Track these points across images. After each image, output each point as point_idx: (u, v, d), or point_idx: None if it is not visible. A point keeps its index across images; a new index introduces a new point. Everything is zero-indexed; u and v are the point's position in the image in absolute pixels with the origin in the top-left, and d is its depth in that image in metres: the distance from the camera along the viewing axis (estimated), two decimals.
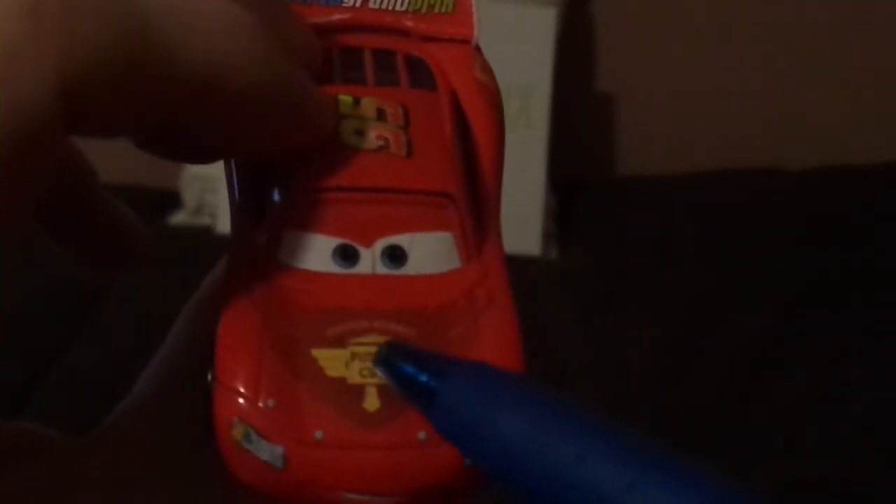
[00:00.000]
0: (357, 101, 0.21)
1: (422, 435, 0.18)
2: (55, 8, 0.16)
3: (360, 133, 0.21)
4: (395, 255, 0.20)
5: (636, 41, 1.28)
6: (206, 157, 0.22)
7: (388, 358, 0.18)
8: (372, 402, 0.19)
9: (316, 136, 0.21)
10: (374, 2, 0.23)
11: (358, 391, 0.19)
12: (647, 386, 0.90)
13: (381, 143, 0.21)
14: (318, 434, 0.18)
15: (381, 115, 0.21)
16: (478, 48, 0.24)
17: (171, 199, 1.14)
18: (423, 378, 0.18)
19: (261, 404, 0.18)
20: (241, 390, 0.18)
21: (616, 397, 0.87)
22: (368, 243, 0.20)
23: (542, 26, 1.11)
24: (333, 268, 0.20)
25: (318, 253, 0.20)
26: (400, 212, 0.21)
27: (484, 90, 0.23)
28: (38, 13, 0.16)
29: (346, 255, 0.20)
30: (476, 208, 0.21)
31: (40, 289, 0.91)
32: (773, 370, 0.92)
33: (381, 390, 0.19)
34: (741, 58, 1.29)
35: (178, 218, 1.13)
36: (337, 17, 0.23)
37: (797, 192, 1.19)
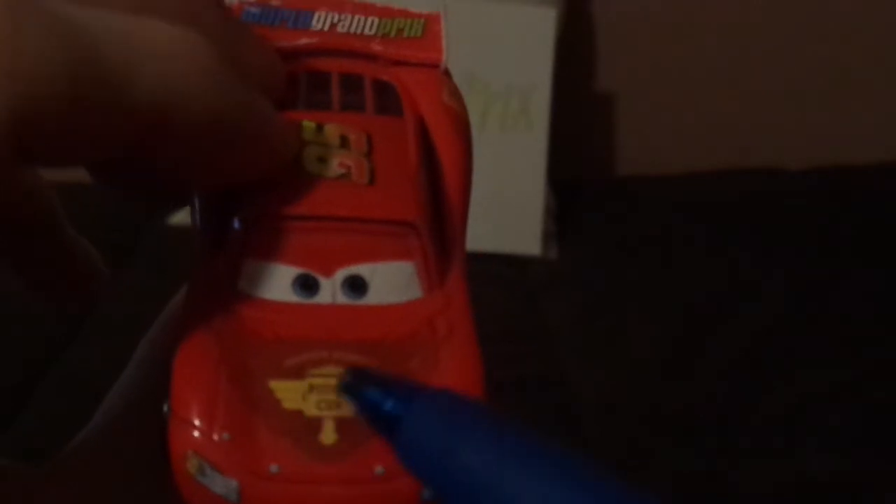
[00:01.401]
0: (320, 128, 0.21)
1: (379, 469, 0.18)
2: (4, 43, 0.16)
3: (323, 160, 0.20)
4: (356, 285, 0.20)
5: (636, 41, 1.28)
6: (164, 191, 0.21)
7: (353, 384, 0.18)
8: (329, 436, 0.18)
9: (277, 163, 0.20)
10: (343, 26, 0.23)
11: (315, 424, 0.18)
12: (646, 386, 0.90)
13: (343, 170, 0.20)
14: (274, 468, 0.18)
15: (344, 143, 0.21)
16: (447, 73, 0.23)
17: None
18: (388, 405, 0.17)
19: (215, 437, 0.18)
20: (196, 423, 0.18)
21: (615, 397, 0.87)
22: (329, 273, 0.20)
23: (542, 26, 1.11)
24: (293, 297, 0.20)
25: (277, 282, 0.20)
26: (361, 241, 0.20)
27: (452, 116, 0.22)
28: None
29: (306, 284, 0.20)
30: (440, 237, 0.21)
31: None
32: (774, 370, 0.92)
33: (339, 423, 0.18)
34: (741, 58, 1.29)
35: (178, 218, 1.13)
36: (304, 41, 0.23)
37: (797, 192, 1.19)
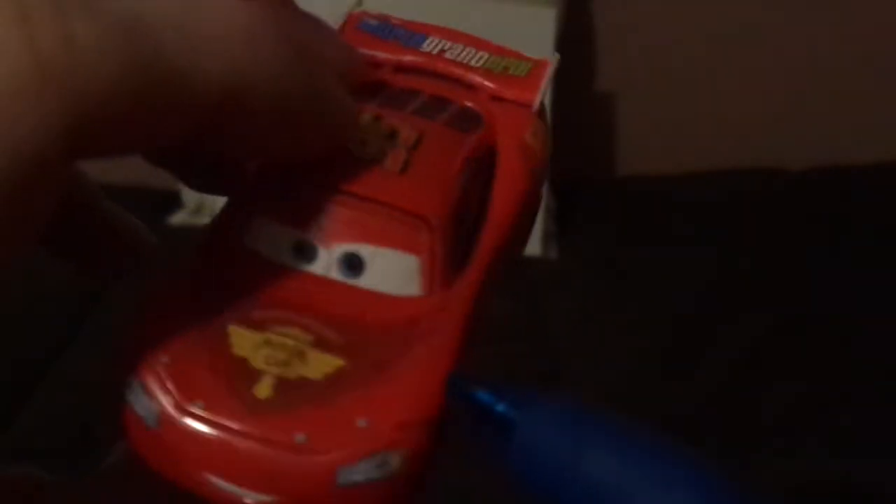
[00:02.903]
0: (377, 119, 0.21)
1: (300, 437, 0.17)
2: (59, 50, 0.16)
3: (363, 143, 0.21)
4: (353, 264, 0.20)
5: (636, 41, 1.28)
6: (218, 172, 0.21)
7: (462, 384, 0.17)
8: (263, 390, 0.18)
9: (337, 144, 0.20)
10: (452, 53, 0.24)
11: (254, 375, 0.18)
12: (646, 386, 0.90)
13: (379, 155, 0.21)
14: (199, 404, 0.18)
15: (392, 134, 0.21)
16: (540, 113, 0.24)
17: (172, 199, 1.14)
18: (501, 408, 0.16)
19: (154, 360, 0.18)
20: (143, 342, 0.18)
21: (615, 397, 0.87)
22: (328, 245, 0.20)
23: (542, 26, 1.11)
24: (287, 260, 0.20)
25: (277, 243, 0.20)
26: (370, 222, 0.20)
27: (527, 152, 0.23)
28: (40, 54, 0.15)
29: (303, 251, 0.20)
30: (461, 246, 0.21)
31: (40, 289, 0.91)
32: (774, 370, 0.92)
33: (279, 382, 0.18)
34: (741, 58, 1.29)
35: (178, 218, 1.13)
36: (409, 58, 0.23)
37: (797, 192, 1.19)
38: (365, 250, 0.20)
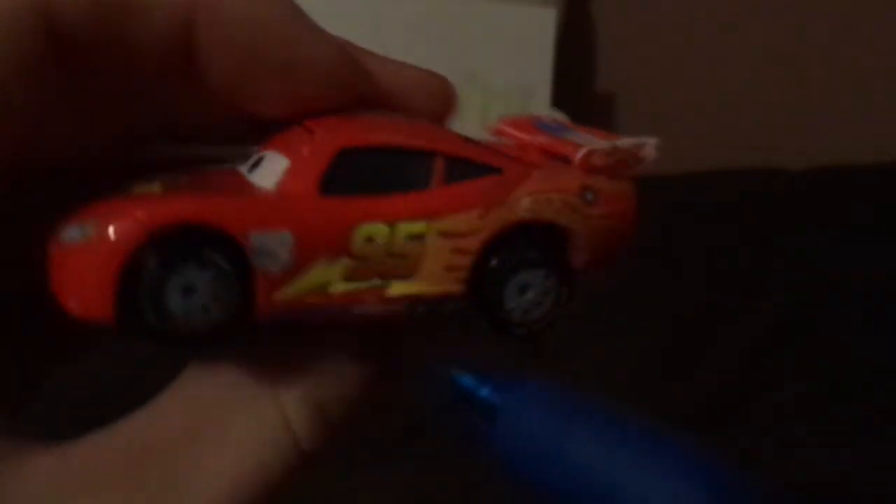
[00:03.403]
0: None
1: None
2: None
3: None
4: (256, 163, 0.24)
5: (636, 41, 1.28)
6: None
7: (444, 368, 0.18)
8: (147, 188, 0.23)
9: (331, 93, 0.23)
10: (575, 137, 0.28)
11: (144, 191, 0.23)
12: (646, 385, 0.90)
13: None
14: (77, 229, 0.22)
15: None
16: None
17: None
18: (484, 393, 0.17)
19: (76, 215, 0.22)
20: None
21: (614, 397, 0.87)
22: (258, 152, 0.25)
23: (542, 26, 1.11)
24: (244, 170, 0.24)
25: (248, 158, 0.25)
26: (288, 137, 0.24)
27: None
28: None
29: (256, 164, 0.24)
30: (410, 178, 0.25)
31: None
32: (774, 370, 0.92)
33: (166, 186, 0.23)
34: (741, 58, 1.29)
35: None
36: (536, 140, 0.28)
37: (797, 192, 1.19)
38: (268, 154, 0.24)
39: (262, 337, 0.24)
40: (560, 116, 0.30)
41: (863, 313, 0.97)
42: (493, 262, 0.25)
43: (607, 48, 1.29)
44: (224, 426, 0.21)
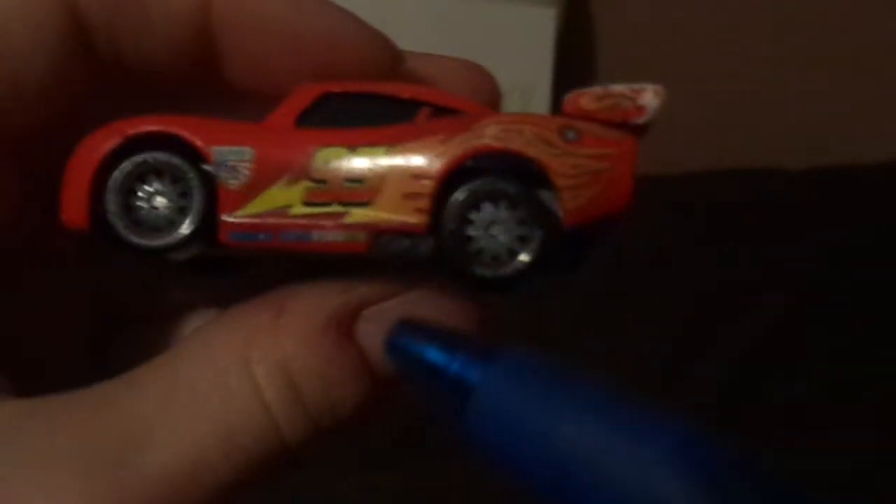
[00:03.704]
0: None
1: None
2: None
3: None
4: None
5: (636, 41, 1.28)
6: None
7: (409, 339, 0.16)
8: None
9: (356, 62, 0.24)
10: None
11: None
12: (646, 385, 0.90)
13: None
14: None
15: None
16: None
17: None
18: (455, 368, 0.14)
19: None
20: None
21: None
22: None
23: (542, 26, 1.11)
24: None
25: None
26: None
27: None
28: None
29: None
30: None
31: None
32: (774, 370, 0.92)
33: None
34: (741, 58, 1.29)
35: None
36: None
37: (797, 192, 1.19)
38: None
39: (233, 290, 0.24)
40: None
41: (863, 313, 0.97)
42: (456, 194, 0.24)
43: (607, 48, 1.29)
44: (192, 390, 0.21)
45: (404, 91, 0.25)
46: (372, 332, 0.22)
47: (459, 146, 0.23)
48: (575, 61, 1.24)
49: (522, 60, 1.11)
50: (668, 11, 1.27)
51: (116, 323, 0.28)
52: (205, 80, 0.24)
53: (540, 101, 1.10)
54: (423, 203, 0.23)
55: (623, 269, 1.07)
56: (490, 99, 0.27)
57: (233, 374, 0.21)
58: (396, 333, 0.16)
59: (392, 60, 0.25)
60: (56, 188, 0.24)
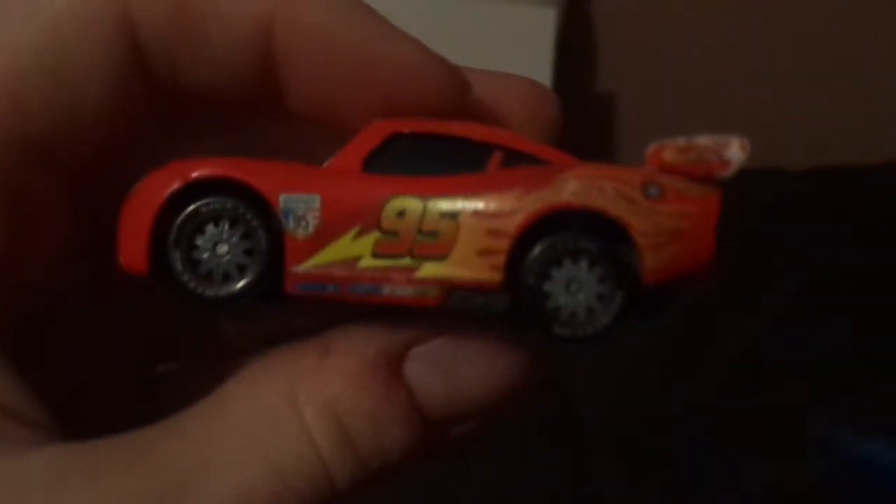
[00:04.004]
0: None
1: None
2: None
3: None
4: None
5: (636, 41, 1.28)
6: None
7: (834, 431, 0.15)
8: None
9: (428, 98, 0.23)
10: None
11: None
12: (646, 385, 0.90)
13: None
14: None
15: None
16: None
17: None
18: None
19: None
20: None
21: (616, 397, 0.87)
22: None
23: (542, 26, 1.11)
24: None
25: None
26: None
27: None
28: None
29: None
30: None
31: None
32: (774, 370, 0.92)
33: None
34: (741, 58, 1.29)
35: None
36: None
37: (797, 192, 1.19)
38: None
39: (288, 323, 0.24)
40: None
41: (863, 313, 0.97)
42: (535, 250, 0.23)
43: (607, 48, 1.29)
44: (240, 433, 0.21)
45: (476, 133, 0.24)
46: (421, 372, 0.22)
47: (538, 202, 0.23)
48: (575, 61, 1.24)
49: (522, 60, 1.11)
50: (669, 11, 1.27)
51: (164, 358, 0.28)
52: (265, 108, 0.23)
53: None
54: (499, 260, 0.23)
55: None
56: (551, 121, 0.26)
57: (281, 416, 0.21)
58: (829, 428, 0.16)
59: (461, 90, 0.24)
60: (111, 221, 0.23)
